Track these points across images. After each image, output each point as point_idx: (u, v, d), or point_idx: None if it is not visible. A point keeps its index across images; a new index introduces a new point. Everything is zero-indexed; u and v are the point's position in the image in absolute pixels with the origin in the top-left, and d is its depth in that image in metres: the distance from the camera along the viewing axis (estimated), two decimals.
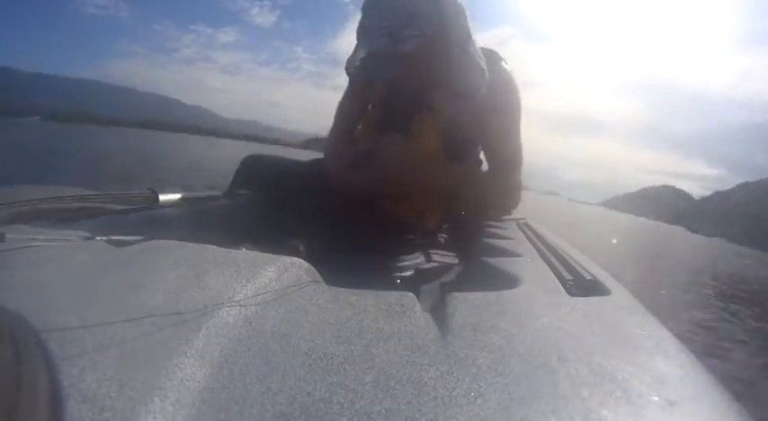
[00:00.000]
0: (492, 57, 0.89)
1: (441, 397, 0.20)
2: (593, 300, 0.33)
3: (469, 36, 0.83)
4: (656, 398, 0.20)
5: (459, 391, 0.20)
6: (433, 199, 0.92)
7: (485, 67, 0.84)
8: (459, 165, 0.92)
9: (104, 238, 0.49)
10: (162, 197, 0.84)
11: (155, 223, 0.68)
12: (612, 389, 0.20)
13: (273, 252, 0.41)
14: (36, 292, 0.29)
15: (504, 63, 0.91)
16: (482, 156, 0.98)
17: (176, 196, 0.86)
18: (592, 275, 0.39)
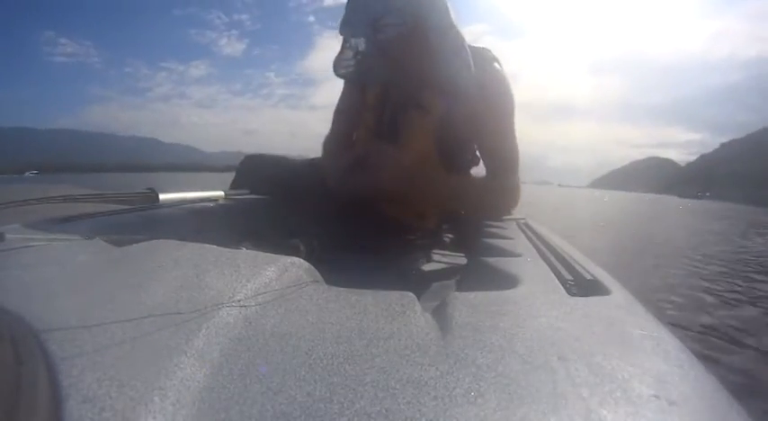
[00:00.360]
0: (485, 55, 0.89)
1: (441, 397, 0.20)
2: (593, 300, 0.33)
3: (452, 26, 0.83)
4: (656, 398, 0.20)
5: (460, 391, 0.20)
6: (429, 201, 0.92)
7: (471, 62, 0.83)
8: (453, 171, 0.93)
9: (104, 238, 0.49)
10: (162, 197, 0.84)
11: (155, 223, 0.68)
12: (612, 389, 0.20)
13: (273, 252, 0.41)
14: (36, 292, 0.29)
15: (496, 63, 0.91)
16: (477, 153, 0.98)
17: (176, 196, 0.86)
18: (592, 275, 0.39)
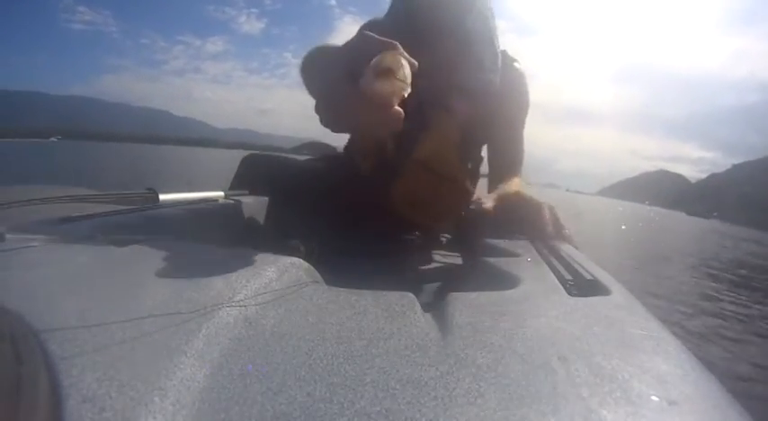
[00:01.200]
0: (504, 57, 0.87)
1: (441, 397, 0.20)
2: (593, 300, 0.33)
3: (490, 27, 0.79)
4: (656, 398, 0.20)
5: (460, 391, 0.20)
6: (446, 205, 0.90)
7: (499, 66, 0.82)
8: (466, 173, 0.91)
9: (104, 238, 0.49)
10: (162, 197, 0.84)
11: (155, 223, 0.68)
12: (612, 389, 0.20)
13: (273, 252, 0.41)
14: (36, 292, 0.29)
15: (516, 64, 0.89)
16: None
17: (176, 196, 0.86)
18: (592, 275, 0.39)
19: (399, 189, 0.83)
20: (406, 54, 0.41)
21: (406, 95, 0.39)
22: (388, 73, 0.37)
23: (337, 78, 0.43)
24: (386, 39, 0.41)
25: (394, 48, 0.41)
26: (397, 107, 0.38)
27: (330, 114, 0.45)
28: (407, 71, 0.39)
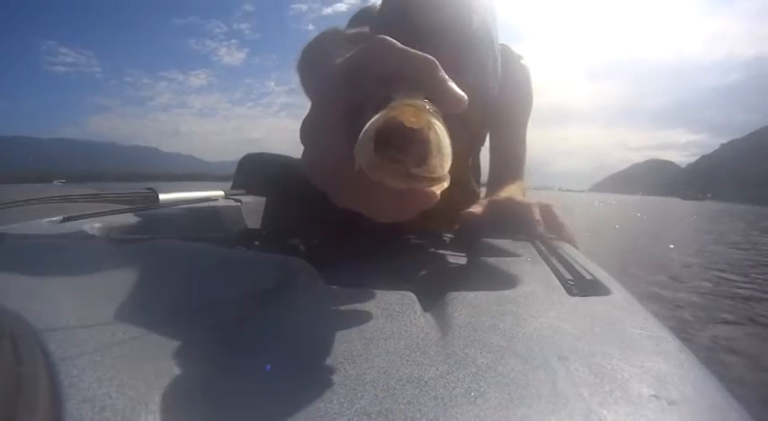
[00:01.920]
0: (509, 54, 0.83)
1: (441, 396, 0.20)
2: (593, 300, 0.33)
3: (490, 29, 0.74)
4: (656, 399, 0.20)
5: (460, 391, 0.20)
6: (455, 213, 0.89)
7: (499, 71, 0.78)
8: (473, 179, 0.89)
9: (104, 238, 0.49)
10: (162, 197, 0.84)
11: (155, 223, 0.68)
12: (612, 389, 0.20)
13: (273, 252, 0.41)
14: (36, 292, 0.29)
15: (522, 60, 0.86)
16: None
17: (176, 196, 0.86)
18: (592, 275, 0.39)
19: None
20: (453, 91, 0.25)
21: (439, 190, 0.24)
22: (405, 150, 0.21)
23: (328, 125, 0.28)
24: (419, 53, 0.26)
25: (431, 72, 0.25)
26: (431, 191, 0.24)
27: (318, 180, 0.30)
28: (445, 144, 0.22)
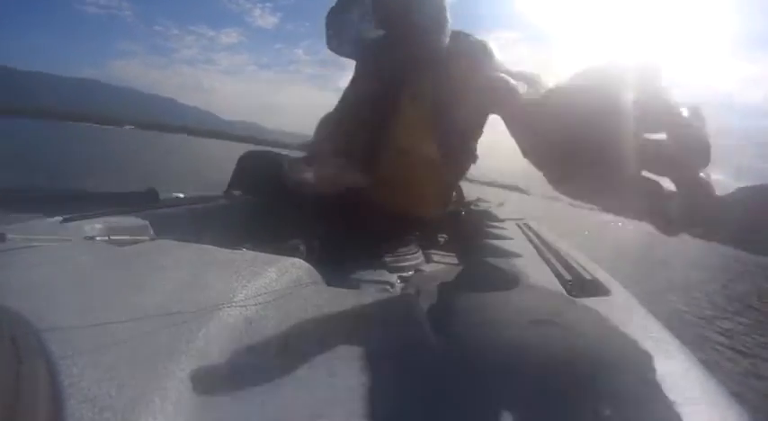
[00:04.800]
0: (462, 36, 0.84)
1: (441, 395, 0.20)
2: (593, 300, 0.33)
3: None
4: (656, 399, 0.20)
5: (460, 390, 0.20)
6: (424, 194, 0.88)
7: (448, 27, 0.80)
8: (451, 164, 0.89)
9: (104, 238, 0.49)
10: (162, 197, 0.84)
11: (155, 223, 0.68)
12: (613, 389, 0.20)
13: (273, 252, 0.41)
14: (36, 292, 0.29)
15: (472, 38, 0.85)
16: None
17: (176, 196, 0.87)
18: (592, 275, 0.39)
19: (382, 179, 0.81)
20: None
21: None
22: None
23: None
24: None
25: None
26: None
27: None
28: None
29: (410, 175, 0.80)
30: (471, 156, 0.94)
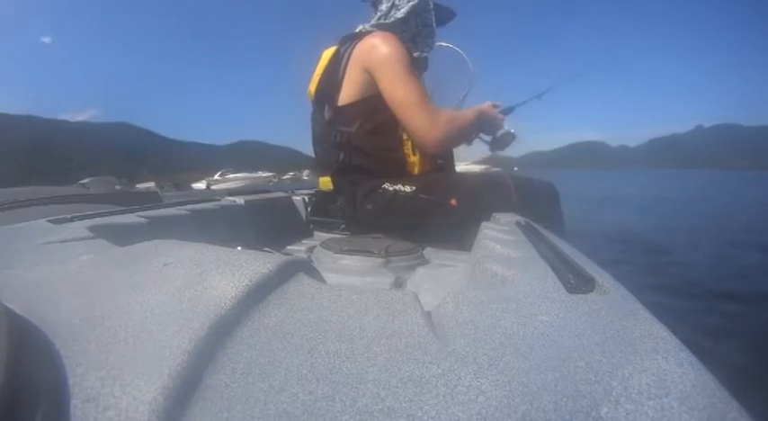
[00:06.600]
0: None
1: (442, 394, 0.20)
2: (594, 299, 0.33)
3: None
4: (656, 398, 0.20)
5: (460, 390, 0.20)
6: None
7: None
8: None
9: (105, 238, 0.49)
10: (162, 197, 0.84)
11: (155, 223, 0.68)
12: (613, 388, 0.20)
13: (273, 252, 0.41)
14: (37, 292, 0.29)
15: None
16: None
17: (177, 196, 0.87)
18: (592, 275, 0.39)
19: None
20: None
21: None
22: None
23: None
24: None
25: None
26: None
27: None
28: None
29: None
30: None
